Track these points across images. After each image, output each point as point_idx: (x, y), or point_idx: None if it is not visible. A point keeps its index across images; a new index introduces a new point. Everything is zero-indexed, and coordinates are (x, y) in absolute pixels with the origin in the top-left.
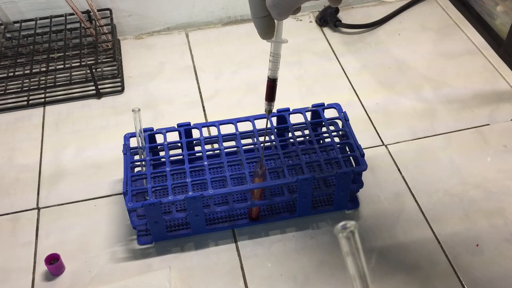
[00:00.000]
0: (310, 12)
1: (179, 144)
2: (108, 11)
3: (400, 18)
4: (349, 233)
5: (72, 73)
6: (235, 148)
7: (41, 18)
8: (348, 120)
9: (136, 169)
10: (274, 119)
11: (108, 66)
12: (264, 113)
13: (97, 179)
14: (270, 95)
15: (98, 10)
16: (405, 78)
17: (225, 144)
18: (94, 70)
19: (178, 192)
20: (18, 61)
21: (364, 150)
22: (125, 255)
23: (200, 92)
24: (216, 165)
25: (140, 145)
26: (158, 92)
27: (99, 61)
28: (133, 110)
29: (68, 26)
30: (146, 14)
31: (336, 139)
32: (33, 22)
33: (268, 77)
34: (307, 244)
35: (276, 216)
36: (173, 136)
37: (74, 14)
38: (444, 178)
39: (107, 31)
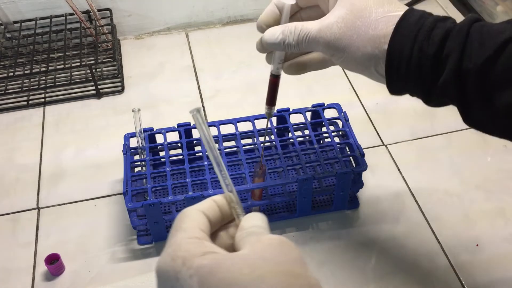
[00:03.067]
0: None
1: (179, 144)
2: (108, 11)
3: None
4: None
5: (72, 73)
6: (235, 148)
7: (41, 18)
8: (348, 120)
9: (136, 169)
10: (274, 119)
11: (108, 66)
12: (264, 113)
13: (97, 179)
14: (272, 95)
15: (98, 10)
16: None
17: (225, 144)
18: (94, 70)
19: (178, 192)
20: (18, 61)
21: (364, 150)
22: (125, 255)
23: (200, 92)
24: None
25: (140, 145)
26: (158, 92)
27: (99, 61)
28: (133, 110)
29: (68, 26)
30: (146, 14)
31: (336, 139)
32: (33, 22)
33: (270, 73)
34: (307, 244)
35: (276, 216)
36: (173, 136)
37: (74, 14)
38: (444, 178)
39: (107, 31)
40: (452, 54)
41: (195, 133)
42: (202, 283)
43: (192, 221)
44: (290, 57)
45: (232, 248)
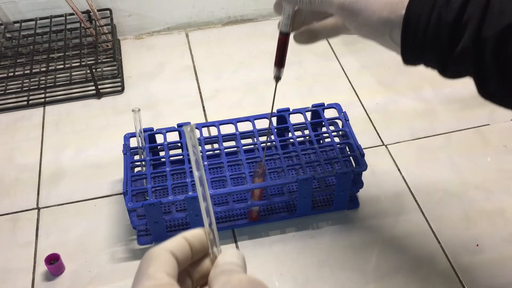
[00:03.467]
0: None
1: (179, 144)
2: (108, 11)
3: None
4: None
5: (72, 73)
6: (235, 148)
7: (41, 18)
8: (348, 120)
9: (136, 169)
10: (274, 119)
11: (108, 66)
12: (264, 113)
13: (97, 179)
14: (280, 55)
15: (98, 10)
16: (405, 78)
17: (225, 144)
18: (94, 70)
19: (178, 192)
20: (18, 61)
21: (364, 150)
22: (125, 255)
23: (200, 92)
24: (216, 165)
25: (140, 145)
26: (158, 92)
27: (99, 61)
28: (133, 110)
29: (68, 26)
30: (146, 14)
31: (336, 139)
32: (33, 22)
33: (280, 31)
34: (307, 244)
35: (276, 216)
36: (173, 136)
37: (74, 14)
38: (444, 178)
39: (107, 31)
40: (472, 21)
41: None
42: None
43: (159, 265)
44: (301, 25)
45: (206, 286)
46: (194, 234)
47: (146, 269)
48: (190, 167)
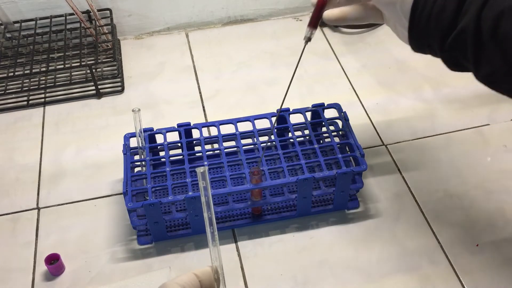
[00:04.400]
0: (310, 12)
1: (179, 144)
2: (108, 11)
3: None
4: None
5: (72, 73)
6: (235, 148)
7: (41, 18)
8: (348, 120)
9: (136, 169)
10: (274, 119)
11: (108, 66)
12: (264, 113)
13: (97, 179)
14: (316, 17)
15: (98, 10)
16: (405, 78)
17: (225, 144)
18: (94, 70)
19: (178, 192)
20: (18, 61)
21: (364, 150)
22: (125, 255)
23: (200, 92)
24: (216, 165)
25: (140, 145)
26: (158, 92)
27: (99, 61)
28: (133, 110)
29: (68, 26)
30: (146, 14)
31: (336, 139)
32: (33, 22)
33: None
34: (307, 243)
35: (276, 216)
36: (173, 136)
37: (74, 14)
38: (444, 178)
39: (107, 31)
40: (475, 3)
41: (195, 133)
42: None
43: None
44: (334, 5)
45: None
46: (204, 272)
47: None
48: (190, 167)
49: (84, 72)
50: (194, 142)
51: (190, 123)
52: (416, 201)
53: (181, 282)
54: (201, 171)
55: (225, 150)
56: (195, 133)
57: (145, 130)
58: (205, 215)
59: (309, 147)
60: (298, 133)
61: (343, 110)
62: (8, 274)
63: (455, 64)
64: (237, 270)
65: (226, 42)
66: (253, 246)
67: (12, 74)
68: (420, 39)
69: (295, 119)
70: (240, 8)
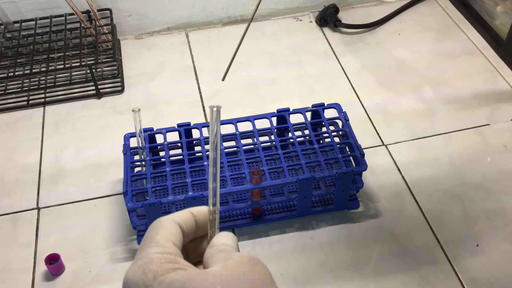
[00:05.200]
0: (310, 12)
1: (179, 144)
2: (108, 11)
3: (400, 18)
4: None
5: (72, 73)
6: (235, 148)
7: (41, 18)
8: (348, 120)
9: (136, 169)
10: (274, 119)
11: (108, 66)
12: (264, 113)
13: (97, 179)
14: None
15: (98, 10)
16: (405, 78)
17: (225, 144)
18: (94, 70)
19: (178, 192)
20: (18, 61)
21: (364, 150)
22: (125, 255)
23: (200, 92)
24: None
25: (140, 145)
26: (158, 92)
27: (99, 61)
28: (133, 110)
29: (68, 26)
30: (146, 14)
31: (336, 139)
32: (33, 22)
33: None
34: (307, 244)
35: (276, 216)
36: (173, 136)
37: (74, 14)
38: (444, 178)
39: (107, 31)
40: None
41: (195, 133)
42: None
43: (166, 234)
44: None
45: (199, 264)
46: (201, 211)
47: (154, 236)
48: (190, 167)
49: (84, 72)
50: (194, 142)
51: (190, 123)
52: (416, 201)
53: (176, 219)
54: (214, 109)
55: (225, 150)
56: (195, 133)
57: (145, 130)
58: (211, 154)
59: (309, 147)
60: (298, 133)
61: (343, 110)
62: (8, 274)
63: None
64: None
65: (226, 42)
66: (253, 246)
67: (12, 74)
68: None
69: (295, 119)
70: (240, 8)
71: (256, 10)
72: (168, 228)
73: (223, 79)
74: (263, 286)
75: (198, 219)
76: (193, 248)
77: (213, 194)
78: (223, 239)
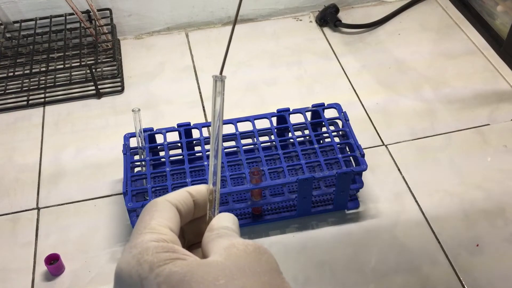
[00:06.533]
0: (310, 12)
1: (179, 144)
2: (108, 11)
3: (400, 18)
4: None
5: (72, 73)
6: (235, 148)
7: (41, 18)
8: (348, 120)
9: (136, 169)
10: (274, 119)
11: (108, 66)
12: (264, 113)
13: (97, 179)
14: None
15: (98, 10)
16: (405, 78)
17: (225, 144)
18: (94, 70)
19: None
20: (18, 61)
21: (364, 150)
22: None
23: (200, 92)
24: None
25: (140, 145)
26: (158, 92)
27: (99, 61)
28: (133, 110)
29: (68, 26)
30: (146, 14)
31: (336, 139)
32: (33, 22)
33: None
34: (307, 244)
35: (276, 216)
36: (173, 136)
37: (74, 14)
38: (444, 178)
39: (107, 31)
40: None
41: (195, 133)
42: None
43: (162, 218)
44: None
45: (197, 245)
46: (199, 191)
47: (149, 221)
48: (190, 167)
49: (84, 72)
50: (194, 142)
51: (190, 123)
52: (416, 201)
53: (172, 200)
54: (219, 80)
55: (225, 150)
56: (195, 133)
57: (145, 130)
58: (212, 130)
59: (309, 147)
60: (298, 133)
61: (343, 110)
62: (8, 274)
63: None
64: None
65: (226, 42)
66: None
67: (12, 74)
68: None
69: (295, 119)
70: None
71: (238, 10)
72: (164, 212)
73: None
74: (270, 279)
75: (197, 199)
76: (191, 229)
77: (214, 172)
78: (223, 222)
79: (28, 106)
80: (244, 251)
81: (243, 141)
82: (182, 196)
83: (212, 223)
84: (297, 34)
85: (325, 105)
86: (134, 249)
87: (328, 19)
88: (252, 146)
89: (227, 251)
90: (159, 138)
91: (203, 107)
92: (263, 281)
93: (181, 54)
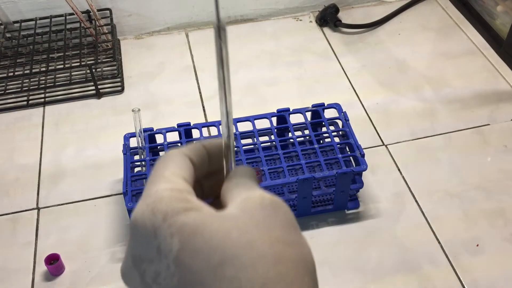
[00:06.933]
0: (310, 12)
1: (179, 144)
2: (108, 11)
3: (400, 18)
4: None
5: (72, 73)
6: (235, 148)
7: (41, 18)
8: (348, 120)
9: (136, 169)
10: (274, 119)
11: (108, 66)
12: (264, 113)
13: (97, 179)
14: None
15: (98, 10)
16: (405, 78)
17: None
18: (94, 70)
19: None
20: (18, 61)
21: (364, 150)
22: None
23: (200, 92)
24: None
25: (140, 145)
26: (158, 92)
27: (99, 61)
28: (133, 110)
29: (68, 26)
30: (146, 14)
31: (336, 139)
32: (33, 22)
33: None
34: None
35: None
36: (173, 136)
37: (74, 14)
38: (444, 178)
39: (107, 31)
40: None
41: (195, 133)
42: (183, 244)
43: (176, 168)
44: None
45: (217, 200)
46: (214, 144)
47: (163, 171)
48: None
49: (84, 72)
50: (194, 142)
51: (190, 123)
52: (416, 201)
53: (186, 151)
54: (224, 27)
55: None
56: (195, 133)
57: (145, 130)
58: (218, 75)
59: (309, 147)
60: (298, 133)
61: (343, 110)
62: (8, 274)
63: None
64: None
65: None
66: None
67: (12, 74)
68: None
69: (295, 119)
70: (240, 8)
71: (218, 11)
72: (177, 163)
73: None
74: (285, 233)
75: (211, 152)
76: (209, 184)
77: (226, 124)
78: (241, 173)
79: (28, 106)
80: (260, 204)
81: (243, 141)
82: (196, 148)
83: (230, 175)
84: (297, 34)
85: (325, 105)
86: (149, 198)
87: (328, 19)
88: (252, 146)
89: (243, 204)
90: (159, 138)
91: (203, 107)
92: (277, 235)
93: (181, 54)
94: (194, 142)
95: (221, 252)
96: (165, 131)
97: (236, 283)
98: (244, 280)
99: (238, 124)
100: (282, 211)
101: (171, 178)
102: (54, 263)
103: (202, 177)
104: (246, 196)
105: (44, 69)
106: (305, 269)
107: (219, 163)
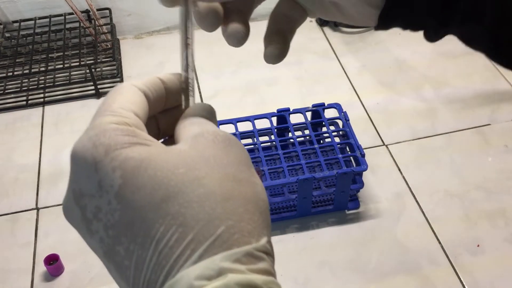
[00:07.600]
0: None
1: None
2: (107, 11)
3: None
4: None
5: (71, 73)
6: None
7: (40, 18)
8: (348, 120)
9: None
10: (274, 119)
11: (107, 66)
12: (264, 113)
13: None
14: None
15: (98, 10)
16: (405, 78)
17: None
18: (93, 70)
19: None
20: (17, 60)
21: (364, 150)
22: None
23: (200, 92)
24: None
25: None
26: None
27: (99, 61)
28: None
29: (68, 26)
30: (146, 14)
31: (337, 139)
32: (32, 22)
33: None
34: (307, 244)
35: (276, 216)
36: None
37: (73, 14)
38: (444, 178)
39: (106, 31)
40: None
41: None
42: (126, 179)
43: (125, 102)
44: None
45: (169, 138)
46: (171, 78)
47: (111, 104)
48: None
49: (83, 72)
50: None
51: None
52: (416, 201)
53: (140, 85)
54: None
55: None
56: None
57: None
58: (180, 10)
59: (309, 147)
60: (299, 133)
61: (344, 110)
62: (7, 274)
63: (439, 35)
64: None
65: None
66: None
67: (11, 74)
68: (394, 8)
69: (296, 119)
70: None
71: (186, 16)
72: (129, 95)
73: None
74: (236, 171)
75: (169, 87)
76: (166, 121)
77: (185, 57)
78: (198, 110)
79: (28, 106)
80: (213, 141)
81: (243, 141)
82: (151, 81)
83: (186, 112)
84: (297, 34)
85: (325, 105)
86: (91, 131)
87: None
88: (252, 146)
89: (194, 140)
90: None
91: None
92: (227, 172)
93: (181, 54)
94: (151, 76)
95: (166, 188)
96: None
97: (180, 219)
98: (189, 216)
99: (238, 124)
100: (235, 149)
101: (118, 111)
102: (53, 264)
103: (159, 114)
104: (198, 132)
105: (43, 69)
106: (255, 207)
107: (178, 99)
